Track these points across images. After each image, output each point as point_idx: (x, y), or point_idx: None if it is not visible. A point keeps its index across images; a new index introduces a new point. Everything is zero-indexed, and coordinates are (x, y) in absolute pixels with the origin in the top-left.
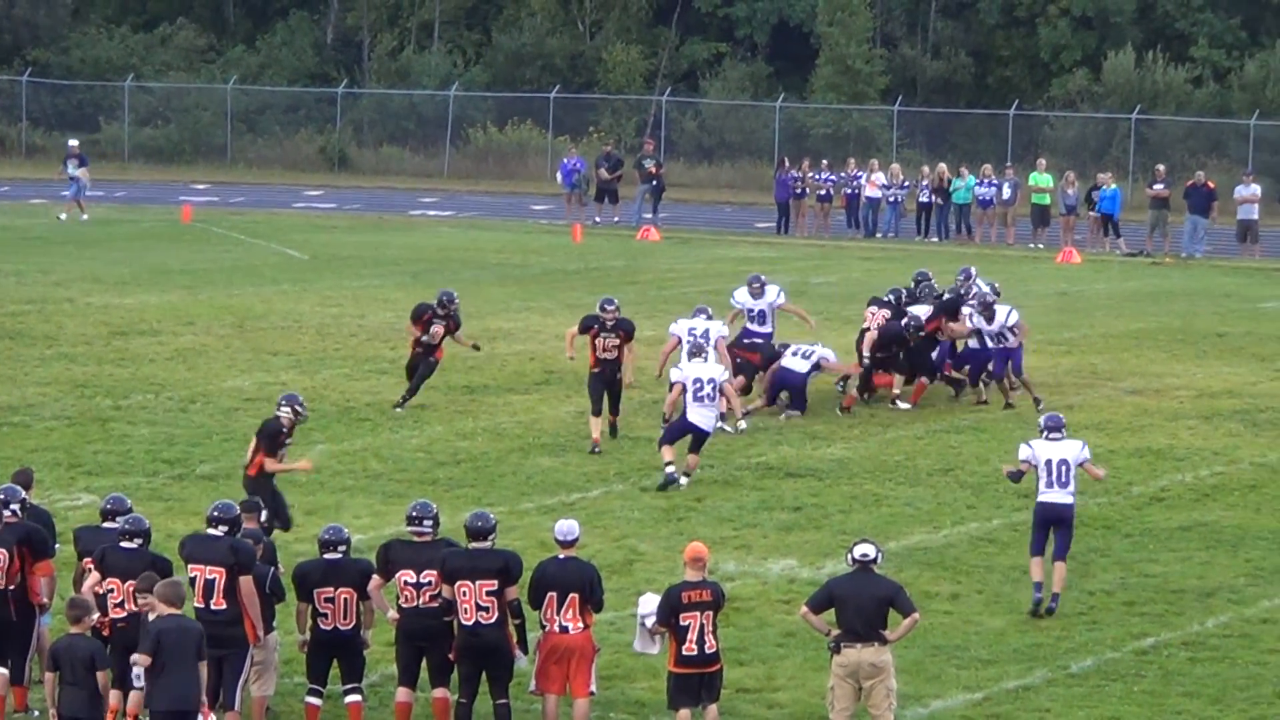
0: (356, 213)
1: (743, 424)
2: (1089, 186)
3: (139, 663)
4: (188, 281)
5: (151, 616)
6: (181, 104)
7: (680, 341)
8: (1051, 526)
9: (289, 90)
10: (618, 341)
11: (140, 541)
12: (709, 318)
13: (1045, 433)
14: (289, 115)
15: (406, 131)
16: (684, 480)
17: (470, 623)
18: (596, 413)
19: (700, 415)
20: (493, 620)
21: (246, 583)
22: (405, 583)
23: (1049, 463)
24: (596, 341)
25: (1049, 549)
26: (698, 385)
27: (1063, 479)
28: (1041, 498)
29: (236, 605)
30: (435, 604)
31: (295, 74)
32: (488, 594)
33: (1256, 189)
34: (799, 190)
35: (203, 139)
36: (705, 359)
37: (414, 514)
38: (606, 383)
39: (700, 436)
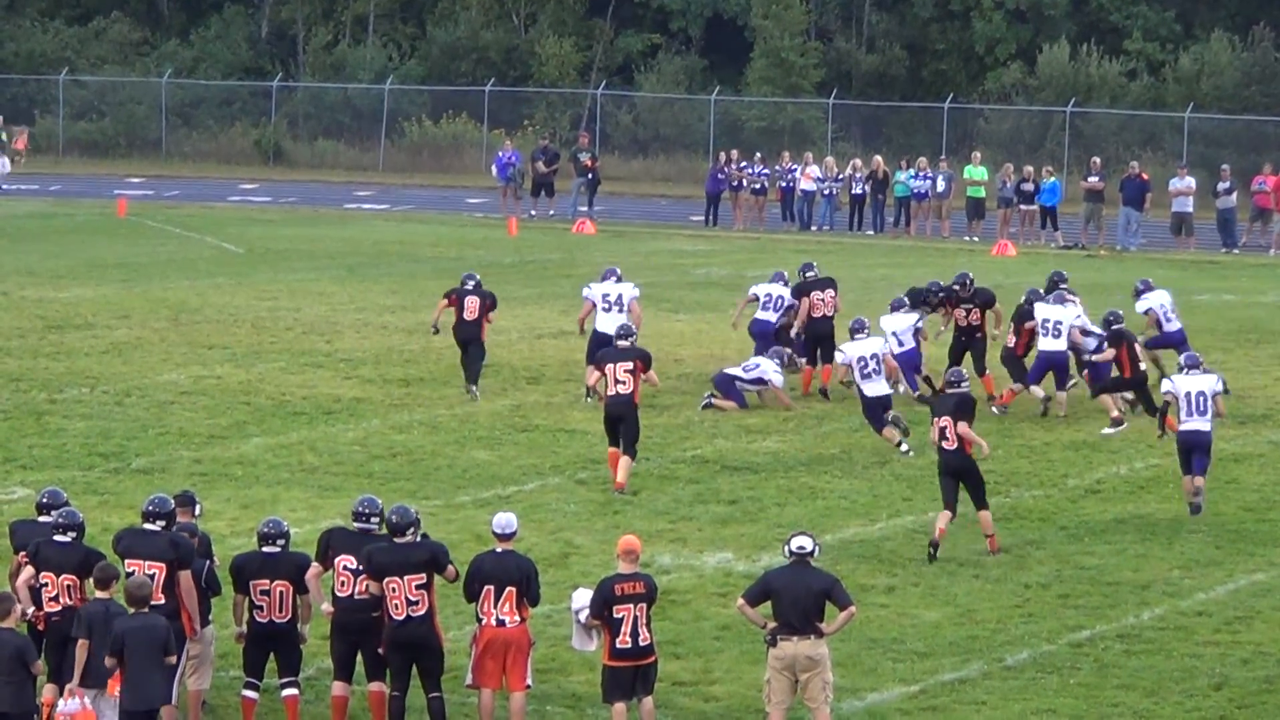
0: (291, 206)
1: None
2: (1019, 179)
3: (109, 666)
4: (123, 275)
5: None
6: (116, 98)
7: (595, 306)
8: (1192, 451)
9: (223, 84)
10: (630, 367)
11: (74, 535)
12: (618, 280)
13: (1185, 370)
14: (223, 109)
15: (341, 125)
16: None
17: (401, 617)
18: (614, 443)
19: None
20: (422, 613)
21: (186, 577)
22: (344, 568)
23: (1188, 395)
24: (607, 370)
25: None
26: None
27: (1200, 408)
28: (1183, 426)
29: (174, 599)
30: (367, 595)
31: (230, 67)
32: (417, 588)
33: (1191, 182)
34: (736, 184)
35: (137, 132)
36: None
37: (362, 510)
38: (614, 419)
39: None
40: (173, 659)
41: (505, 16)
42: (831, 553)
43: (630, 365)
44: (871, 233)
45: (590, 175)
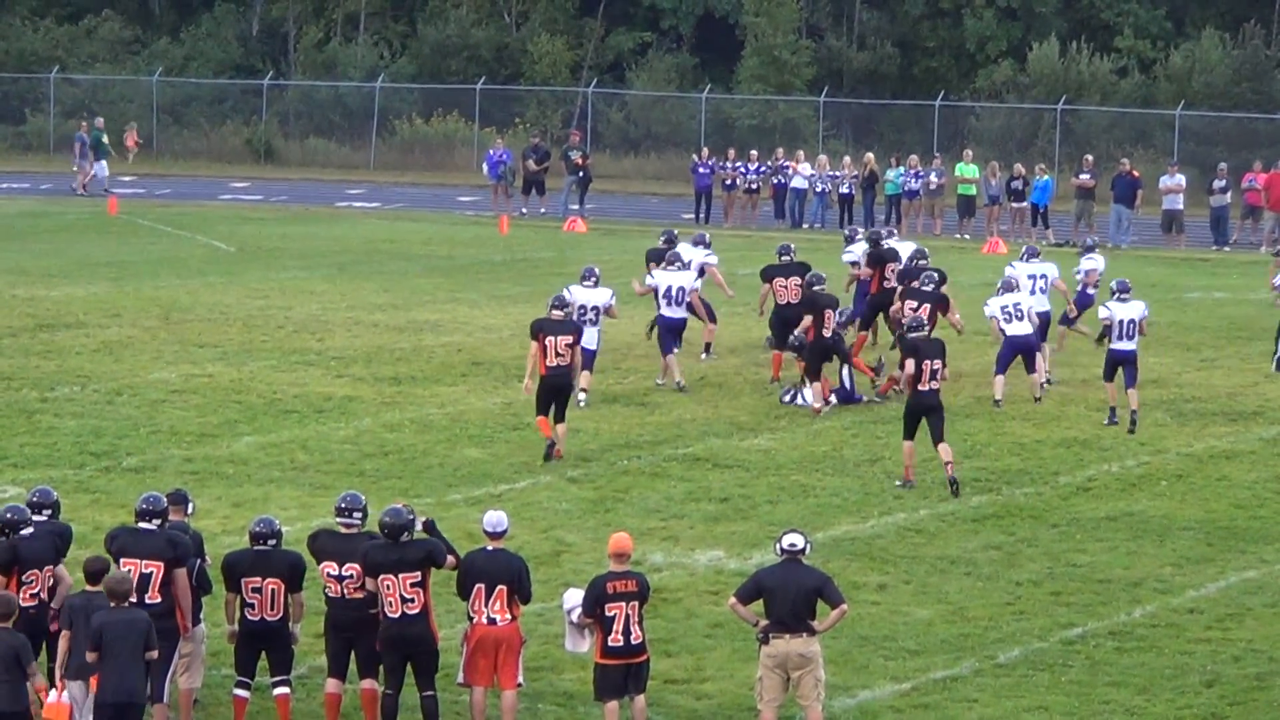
0: (283, 204)
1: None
2: (1008, 177)
3: (89, 660)
4: (114, 274)
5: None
6: (107, 96)
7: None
8: (1120, 366)
9: (214, 82)
10: (570, 341)
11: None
12: (704, 245)
13: (1117, 294)
14: (214, 107)
15: (332, 123)
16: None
17: (396, 615)
18: (543, 413)
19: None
20: (417, 611)
21: (181, 575)
22: (329, 575)
23: (1120, 321)
24: (547, 343)
25: (1119, 382)
26: (581, 310)
27: (1129, 333)
28: (1114, 346)
29: (170, 598)
30: (360, 595)
31: (221, 66)
32: (412, 585)
33: (1181, 179)
34: (730, 183)
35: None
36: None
37: (343, 505)
38: (556, 389)
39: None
40: (154, 654)
41: (496, 14)
42: (823, 550)
43: (570, 339)
44: (862, 230)
45: (582, 173)
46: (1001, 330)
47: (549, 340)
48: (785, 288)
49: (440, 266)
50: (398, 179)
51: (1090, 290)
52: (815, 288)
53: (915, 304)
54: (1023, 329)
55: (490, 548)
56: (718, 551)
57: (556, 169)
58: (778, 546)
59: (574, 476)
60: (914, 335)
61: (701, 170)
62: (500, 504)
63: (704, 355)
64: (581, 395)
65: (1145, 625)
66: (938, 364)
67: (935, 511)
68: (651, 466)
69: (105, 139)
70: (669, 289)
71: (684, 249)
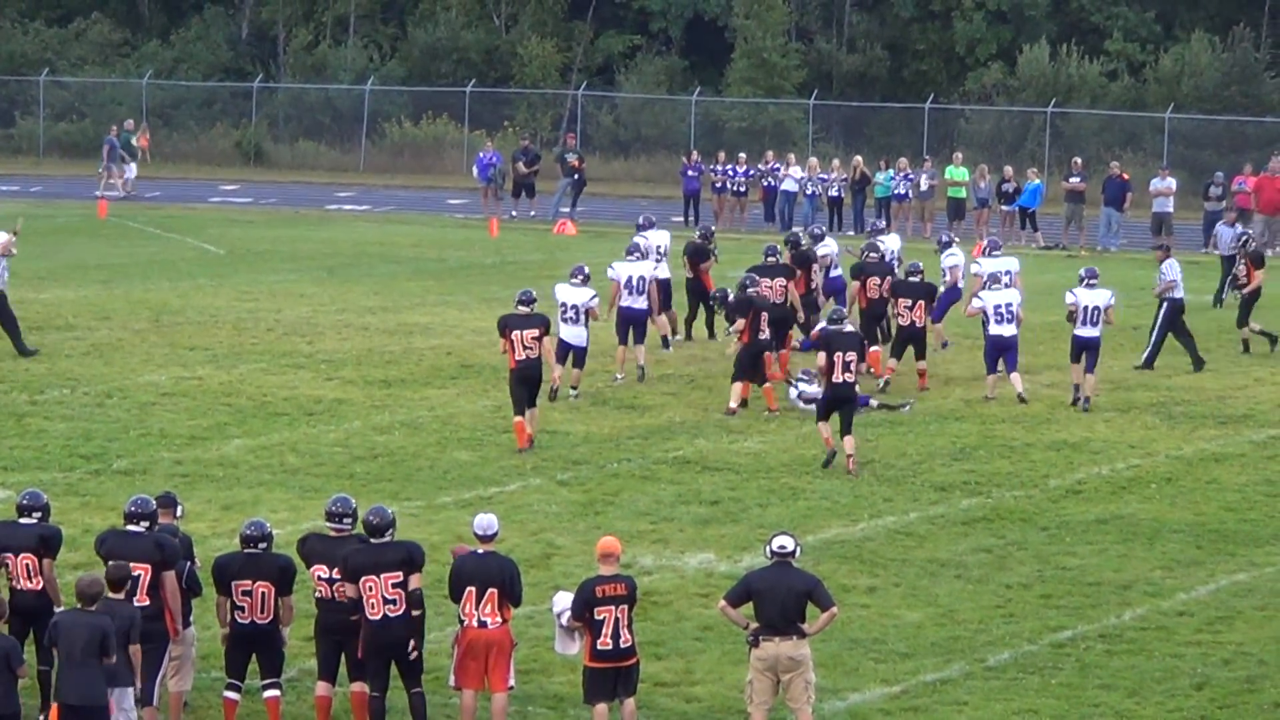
0: (272, 207)
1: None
2: (998, 180)
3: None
4: (104, 276)
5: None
6: (97, 99)
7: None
8: (1084, 351)
9: (204, 85)
10: (536, 333)
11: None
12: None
13: (1085, 281)
14: (204, 110)
15: (322, 126)
16: (573, 394)
17: (378, 617)
18: (520, 414)
19: (569, 333)
20: (400, 612)
21: (170, 578)
22: (319, 578)
23: (1085, 308)
24: (514, 336)
25: (1082, 364)
26: (563, 308)
27: (1094, 319)
28: (1077, 332)
29: (159, 600)
30: (345, 599)
31: (210, 68)
32: (393, 586)
33: (1171, 182)
34: (720, 185)
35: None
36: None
37: (335, 510)
38: (527, 381)
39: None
40: (112, 659)
41: (486, 17)
42: (813, 553)
43: (536, 332)
44: (852, 233)
45: (577, 176)
46: (984, 318)
47: (515, 334)
48: (770, 289)
49: (430, 269)
50: (387, 182)
51: (959, 286)
52: (749, 289)
53: (910, 301)
54: (1008, 330)
55: (480, 550)
56: (708, 554)
57: (547, 171)
58: (768, 549)
59: (564, 479)
60: (832, 328)
61: (690, 174)
62: (490, 507)
63: (677, 337)
64: (573, 391)
65: (1135, 628)
66: (851, 356)
67: (925, 514)
68: (641, 469)
69: (133, 141)
70: (629, 279)
71: (648, 236)
